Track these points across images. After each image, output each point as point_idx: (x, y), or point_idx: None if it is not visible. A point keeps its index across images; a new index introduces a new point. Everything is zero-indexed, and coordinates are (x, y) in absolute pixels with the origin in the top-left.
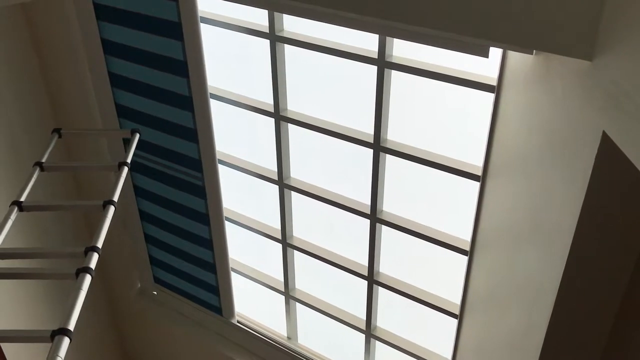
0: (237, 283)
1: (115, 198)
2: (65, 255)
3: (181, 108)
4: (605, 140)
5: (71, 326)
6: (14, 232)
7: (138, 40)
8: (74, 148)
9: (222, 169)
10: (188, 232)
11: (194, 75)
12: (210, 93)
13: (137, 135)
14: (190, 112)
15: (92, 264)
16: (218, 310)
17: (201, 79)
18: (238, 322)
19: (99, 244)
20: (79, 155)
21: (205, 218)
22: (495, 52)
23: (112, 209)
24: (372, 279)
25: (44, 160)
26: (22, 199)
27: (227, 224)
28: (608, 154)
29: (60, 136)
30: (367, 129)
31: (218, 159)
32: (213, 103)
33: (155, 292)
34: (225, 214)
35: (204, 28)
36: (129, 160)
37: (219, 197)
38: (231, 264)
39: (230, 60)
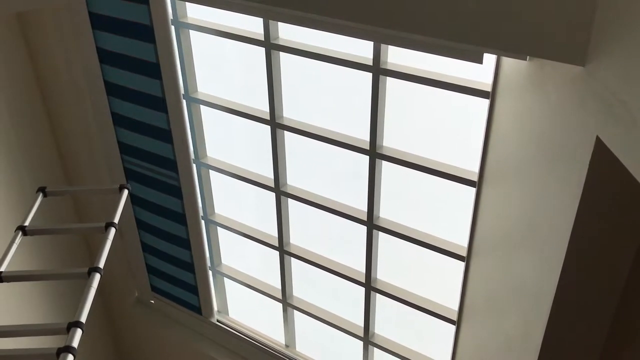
0: (235, 291)
1: (101, 264)
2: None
3: (157, 110)
4: (599, 145)
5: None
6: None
7: (123, 47)
8: (73, 172)
9: (219, 177)
10: (168, 233)
11: (167, 76)
12: (205, 101)
13: (126, 192)
14: (165, 112)
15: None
16: (197, 309)
17: (175, 80)
18: (218, 321)
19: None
20: (78, 179)
21: (183, 218)
22: (490, 58)
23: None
24: (369, 286)
25: (27, 223)
26: (3, 268)
27: (223, 231)
28: (602, 159)
29: (45, 195)
30: (363, 135)
31: (214, 167)
32: (209, 111)
33: (152, 301)
34: (221, 221)
35: (199, 36)
36: (116, 221)
37: (195, 196)
38: (228, 272)
39: (225, 68)
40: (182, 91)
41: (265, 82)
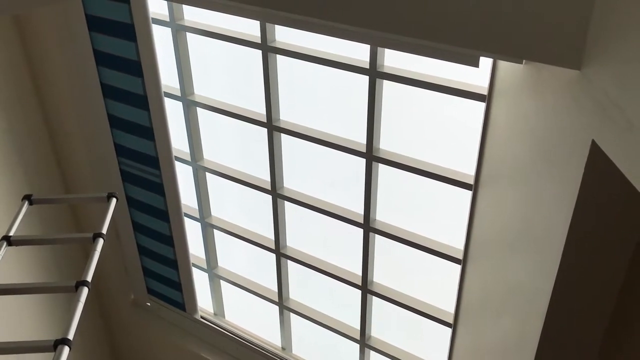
0: (232, 294)
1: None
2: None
3: (139, 107)
4: (595, 148)
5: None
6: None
7: (109, 46)
8: (69, 175)
9: (215, 180)
10: (155, 231)
11: (148, 74)
12: (201, 103)
13: (114, 201)
14: (147, 110)
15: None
16: (181, 306)
17: (155, 77)
18: (202, 317)
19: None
20: (74, 180)
21: (166, 214)
22: (486, 62)
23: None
24: (366, 288)
25: (12, 233)
26: None
27: (219, 234)
28: (597, 163)
29: (31, 203)
30: (359, 138)
31: (211, 169)
32: (205, 113)
33: (149, 304)
34: (217, 224)
35: (194, 38)
36: (104, 231)
37: (177, 192)
38: (224, 274)
39: (221, 71)
40: (163, 88)
41: (261, 84)
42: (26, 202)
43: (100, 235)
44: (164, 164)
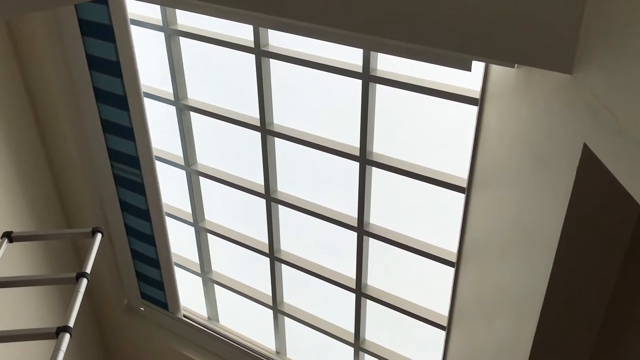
0: (225, 297)
1: (71, 323)
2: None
3: (119, 108)
4: (586, 151)
5: None
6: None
7: (93, 49)
8: (62, 180)
9: (209, 184)
10: (140, 232)
11: (127, 74)
12: (195, 107)
13: (99, 236)
14: (126, 110)
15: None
16: (164, 305)
17: (134, 77)
18: (184, 316)
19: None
20: (67, 186)
21: (147, 214)
22: (479, 66)
23: (67, 337)
24: (360, 291)
25: None
26: None
27: (213, 238)
28: (589, 165)
29: (10, 240)
30: (353, 142)
31: (204, 173)
32: (198, 117)
33: (142, 308)
34: (211, 228)
35: (186, 42)
36: (88, 270)
37: (158, 192)
38: (218, 278)
39: (213, 74)
40: (142, 88)
41: (253, 88)
42: (6, 240)
43: (83, 275)
44: (144, 163)
